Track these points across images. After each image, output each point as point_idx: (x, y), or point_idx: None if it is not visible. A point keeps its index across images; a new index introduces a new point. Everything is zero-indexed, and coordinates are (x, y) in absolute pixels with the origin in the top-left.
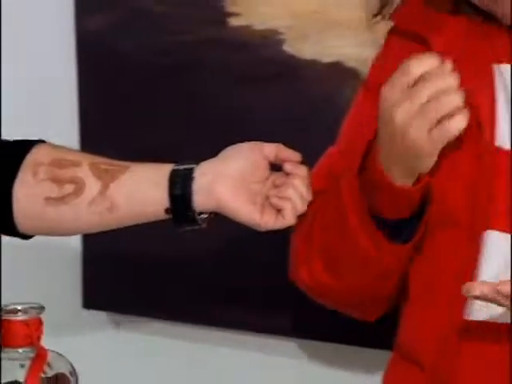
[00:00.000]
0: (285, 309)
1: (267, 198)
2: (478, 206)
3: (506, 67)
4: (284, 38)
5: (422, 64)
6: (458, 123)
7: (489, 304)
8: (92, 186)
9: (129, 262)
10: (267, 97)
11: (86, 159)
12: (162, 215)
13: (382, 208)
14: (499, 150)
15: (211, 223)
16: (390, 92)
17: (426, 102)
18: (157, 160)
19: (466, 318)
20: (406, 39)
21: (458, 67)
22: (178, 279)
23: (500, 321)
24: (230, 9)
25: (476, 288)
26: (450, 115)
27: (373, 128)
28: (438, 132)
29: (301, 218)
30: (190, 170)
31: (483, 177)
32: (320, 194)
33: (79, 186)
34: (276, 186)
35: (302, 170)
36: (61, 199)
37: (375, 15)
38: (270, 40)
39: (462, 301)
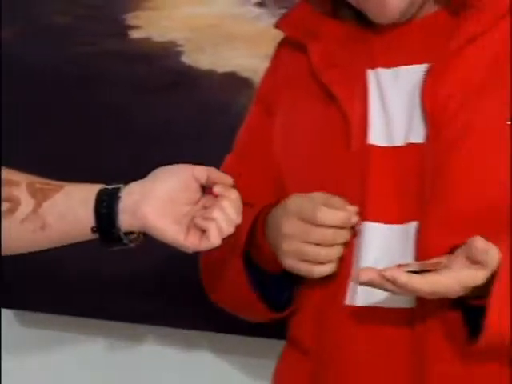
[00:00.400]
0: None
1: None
2: (353, 199)
3: (379, 71)
4: (182, 50)
5: (333, 218)
6: (322, 271)
7: (369, 289)
8: (26, 204)
9: (33, 259)
10: (167, 105)
11: (24, 179)
12: (90, 234)
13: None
14: (372, 146)
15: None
16: (291, 221)
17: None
18: (61, 168)
19: (346, 303)
20: (293, 48)
21: (335, 72)
22: (84, 275)
23: (380, 305)
24: (131, 22)
25: (364, 274)
26: (320, 261)
27: (264, 138)
28: (304, 266)
29: (227, 239)
30: (117, 190)
31: (357, 172)
32: None
33: (14, 204)
34: (205, 208)
35: (232, 193)
36: None
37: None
38: (169, 51)
39: (343, 287)
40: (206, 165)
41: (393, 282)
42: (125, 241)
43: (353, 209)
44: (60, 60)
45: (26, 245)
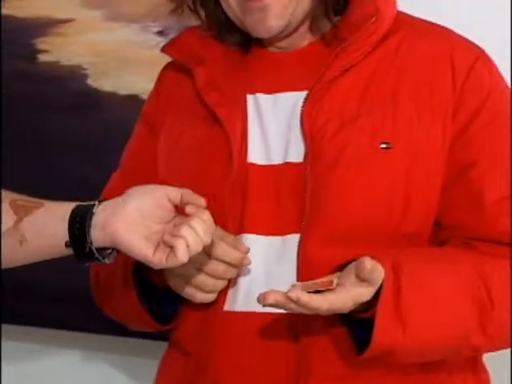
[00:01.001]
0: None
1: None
2: (234, 213)
3: (258, 96)
4: (88, 73)
5: (230, 256)
6: (204, 299)
7: (248, 295)
8: (8, 219)
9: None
10: (73, 124)
11: (9, 196)
12: (65, 250)
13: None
14: (251, 165)
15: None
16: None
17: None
18: None
19: (226, 309)
20: (178, 72)
21: (218, 95)
22: (58, 288)
23: (259, 310)
24: (40, 46)
25: (270, 297)
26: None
27: (148, 157)
28: (189, 291)
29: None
30: (92, 206)
31: (239, 188)
32: None
33: None
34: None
35: (204, 214)
36: None
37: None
38: (76, 74)
39: (223, 294)
40: (104, 175)
41: (296, 302)
42: (97, 256)
43: (245, 249)
44: None
45: (5, 260)
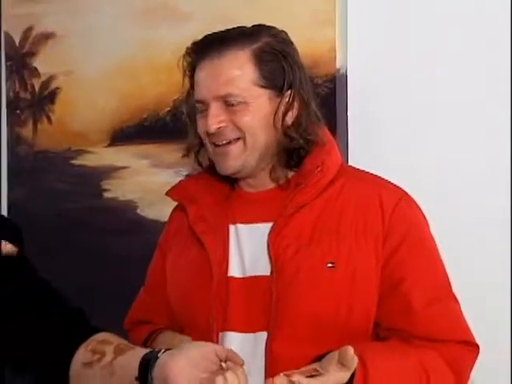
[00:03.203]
0: None
1: None
2: (215, 316)
3: (238, 226)
4: (138, 205)
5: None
6: None
7: None
8: (108, 356)
9: None
10: (128, 244)
11: (117, 341)
12: (135, 382)
13: None
14: (231, 278)
15: None
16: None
17: None
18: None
19: None
20: (180, 210)
21: (204, 225)
22: None
23: None
24: (104, 186)
25: (278, 381)
26: None
27: (161, 276)
28: None
29: None
30: (158, 351)
31: (222, 295)
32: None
33: (101, 356)
34: None
35: (239, 370)
36: (89, 364)
37: None
38: (129, 207)
39: None
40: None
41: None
42: None
43: None
44: (53, 213)
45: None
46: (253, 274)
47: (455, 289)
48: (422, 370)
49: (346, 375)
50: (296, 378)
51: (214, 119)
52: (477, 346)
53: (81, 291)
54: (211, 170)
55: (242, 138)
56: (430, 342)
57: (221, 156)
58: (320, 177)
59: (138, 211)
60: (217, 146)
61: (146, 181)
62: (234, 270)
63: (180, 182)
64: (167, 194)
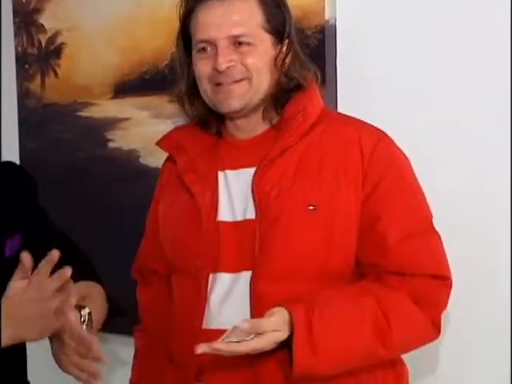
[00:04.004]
0: None
1: None
2: (206, 259)
3: (226, 172)
4: (140, 155)
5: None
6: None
7: (218, 316)
8: None
9: None
10: (131, 191)
11: (84, 293)
12: None
13: None
14: (221, 222)
15: None
16: None
17: None
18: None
19: (204, 327)
20: (170, 160)
21: (193, 175)
22: None
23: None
24: (109, 137)
25: (199, 348)
26: None
27: (155, 223)
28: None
29: None
30: None
31: (213, 239)
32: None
33: None
34: None
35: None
36: None
37: None
38: (132, 156)
39: (199, 315)
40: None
41: (218, 350)
42: None
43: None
44: (62, 163)
45: None
46: (242, 219)
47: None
48: (380, 310)
49: (280, 334)
50: (217, 346)
51: (225, 58)
52: (449, 280)
53: (87, 237)
54: (199, 120)
55: (248, 78)
56: (400, 276)
57: (225, 94)
58: (301, 121)
59: (141, 160)
60: (219, 85)
61: (147, 131)
62: (224, 215)
63: (169, 132)
64: (157, 144)
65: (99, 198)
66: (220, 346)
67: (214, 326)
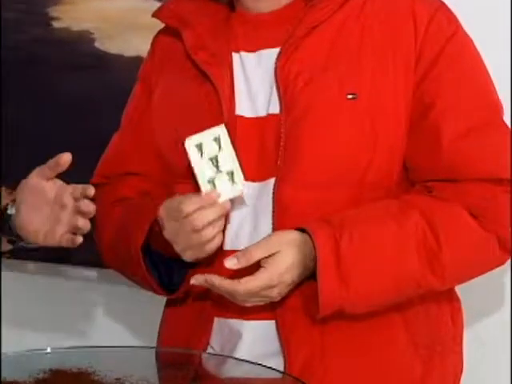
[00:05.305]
0: None
1: None
2: None
3: (242, 54)
4: (95, 37)
5: (192, 204)
6: (211, 249)
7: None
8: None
9: None
10: (84, 83)
11: None
12: None
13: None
14: (239, 117)
15: None
16: (167, 225)
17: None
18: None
19: (226, 248)
20: (170, 35)
21: (205, 54)
22: None
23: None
24: (53, 14)
25: (194, 279)
26: (209, 240)
27: (145, 114)
28: (197, 251)
29: None
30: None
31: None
32: (106, 185)
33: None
34: None
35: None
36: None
37: None
38: (84, 39)
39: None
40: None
41: (211, 285)
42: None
43: (207, 190)
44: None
45: None
46: (265, 114)
47: None
48: (428, 227)
49: (284, 256)
50: (209, 278)
51: None
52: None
53: (36, 138)
54: None
55: None
56: (453, 183)
57: None
58: None
59: (97, 44)
60: None
61: (105, 6)
62: (243, 109)
63: (167, 2)
64: (155, 15)
65: (48, 89)
66: (214, 279)
67: (230, 247)
